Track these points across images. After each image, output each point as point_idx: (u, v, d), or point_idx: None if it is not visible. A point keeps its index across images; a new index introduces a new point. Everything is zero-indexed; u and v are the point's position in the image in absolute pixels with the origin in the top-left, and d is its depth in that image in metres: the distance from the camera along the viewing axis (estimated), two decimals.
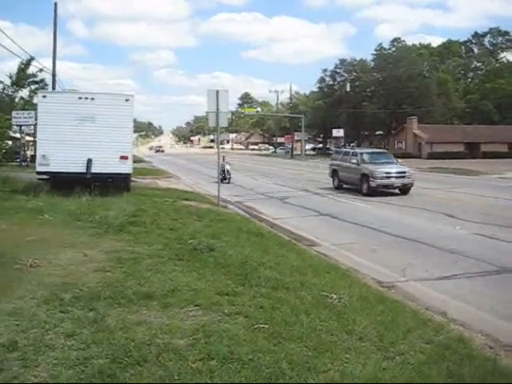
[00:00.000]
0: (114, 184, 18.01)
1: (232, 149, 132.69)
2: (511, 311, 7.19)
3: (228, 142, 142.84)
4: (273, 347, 4.89)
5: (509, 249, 11.35)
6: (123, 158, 17.76)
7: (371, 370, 4.49)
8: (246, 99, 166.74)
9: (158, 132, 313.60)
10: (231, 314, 5.83)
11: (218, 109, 16.84)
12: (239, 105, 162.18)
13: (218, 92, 16.99)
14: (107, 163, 17.36)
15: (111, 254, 8.58)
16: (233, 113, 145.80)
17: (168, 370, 4.33)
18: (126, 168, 17.99)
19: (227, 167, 28.57)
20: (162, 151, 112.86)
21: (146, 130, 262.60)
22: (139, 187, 20.97)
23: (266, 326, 5.42)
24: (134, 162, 21.46)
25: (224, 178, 26.45)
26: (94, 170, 17.17)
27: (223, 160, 27.33)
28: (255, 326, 5.41)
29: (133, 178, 21.03)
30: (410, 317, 6.20)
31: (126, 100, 18.15)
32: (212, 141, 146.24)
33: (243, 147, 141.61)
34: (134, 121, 26.44)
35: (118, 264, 7.86)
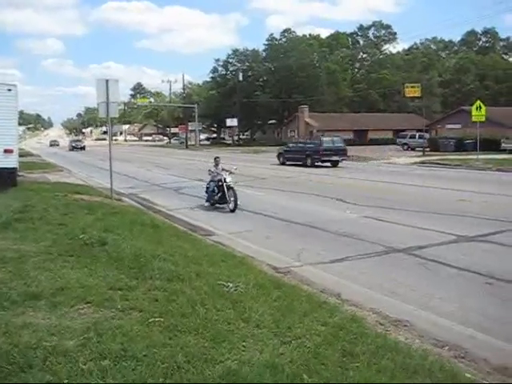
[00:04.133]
0: None
1: (125, 140, 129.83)
2: (397, 288, 7.53)
3: (121, 133, 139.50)
4: (168, 341, 4.76)
5: (394, 229, 11.90)
6: (7, 151, 16.75)
7: (268, 356, 4.49)
8: (139, 90, 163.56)
9: (48, 124, 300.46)
10: (125, 309, 5.61)
11: (108, 99, 16.28)
12: (132, 95, 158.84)
13: (107, 81, 16.41)
14: None
15: None
16: (125, 104, 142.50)
17: (56, 374, 4.05)
18: (10, 162, 16.98)
19: (228, 179, 15.25)
20: (57, 145, 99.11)
21: (34, 122, 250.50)
22: (27, 182, 19.84)
23: (162, 320, 5.27)
24: (22, 155, 20.32)
25: (222, 198, 15.24)
26: None
27: (216, 165, 16.17)
28: (150, 320, 5.24)
29: (20, 173, 19.89)
30: (306, 300, 6.28)
31: (9, 90, 17.06)
32: (105, 132, 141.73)
33: (137, 138, 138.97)
34: (21, 113, 25.06)
35: (2, 264, 7.32)
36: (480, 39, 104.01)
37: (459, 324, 6.13)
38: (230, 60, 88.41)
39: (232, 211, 14.70)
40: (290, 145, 39.46)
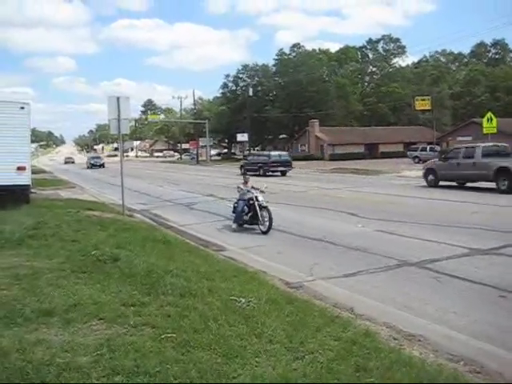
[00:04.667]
0: (12, 196, 17.05)
1: (136, 156, 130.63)
2: (410, 302, 7.47)
3: (132, 149, 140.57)
4: (181, 357, 4.76)
5: (406, 243, 11.84)
6: (20, 168, 16.89)
7: (281, 372, 4.48)
8: (150, 106, 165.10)
9: (60, 141, 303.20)
10: (137, 325, 5.62)
11: (119, 116, 16.45)
12: (143, 112, 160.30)
13: (118, 99, 16.61)
14: (3, 175, 16.44)
15: (7, 270, 8.04)
16: (136, 120, 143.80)
17: None
18: (23, 179, 17.12)
19: (260, 197, 14.10)
20: (73, 162, 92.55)
21: (46, 139, 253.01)
22: (40, 199, 20.00)
23: (174, 335, 5.27)
24: (35, 172, 20.46)
25: (253, 218, 14.08)
26: None
27: (245, 182, 15.06)
28: (162, 336, 5.25)
29: (33, 190, 20.04)
30: (319, 315, 6.26)
31: (21, 108, 17.24)
32: (116, 149, 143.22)
33: (148, 154, 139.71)
34: (33, 130, 25.24)
35: (16, 281, 7.37)
36: (490, 51, 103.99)
37: (474, 338, 6.06)
38: (240, 75, 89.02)
39: (264, 233, 13.49)
40: (249, 158, 48.30)
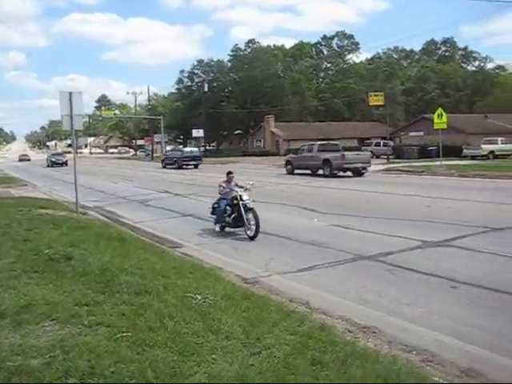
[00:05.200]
0: None
1: (91, 153, 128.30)
2: (365, 295, 7.59)
3: (86, 146, 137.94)
4: (136, 356, 4.70)
5: (361, 237, 12.01)
6: None
7: (238, 368, 4.47)
8: (104, 102, 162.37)
9: (10, 138, 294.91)
10: (91, 325, 5.52)
11: (71, 111, 16.10)
12: (97, 108, 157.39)
13: (71, 94, 16.24)
14: None
15: None
16: (90, 116, 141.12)
17: None
18: None
19: (244, 197, 12.54)
20: (28, 160, 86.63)
21: None
22: None
23: (129, 334, 5.20)
24: None
25: (237, 221, 12.54)
26: None
27: (227, 181, 13.49)
28: (117, 336, 5.17)
29: None
30: (275, 310, 6.27)
31: None
32: (69, 145, 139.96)
33: (102, 151, 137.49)
34: None
35: None
36: (440, 48, 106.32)
37: (426, 328, 6.20)
38: (195, 71, 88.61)
39: (251, 238, 11.95)
40: (168, 153, 55.60)
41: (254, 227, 12.03)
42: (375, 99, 47.75)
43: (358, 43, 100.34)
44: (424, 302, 7.18)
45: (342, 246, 10.77)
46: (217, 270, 8.81)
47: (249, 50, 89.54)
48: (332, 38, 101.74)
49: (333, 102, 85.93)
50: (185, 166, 47.37)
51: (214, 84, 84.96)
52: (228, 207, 12.73)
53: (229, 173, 13.79)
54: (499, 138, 47.68)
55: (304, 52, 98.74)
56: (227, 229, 13.03)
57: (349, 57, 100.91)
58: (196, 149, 56.67)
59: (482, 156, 44.42)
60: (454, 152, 44.30)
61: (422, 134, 53.60)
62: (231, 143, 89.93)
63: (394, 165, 38.67)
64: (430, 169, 32.46)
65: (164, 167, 49.91)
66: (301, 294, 7.58)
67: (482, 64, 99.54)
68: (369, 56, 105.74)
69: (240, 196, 12.48)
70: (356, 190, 22.76)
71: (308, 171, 32.99)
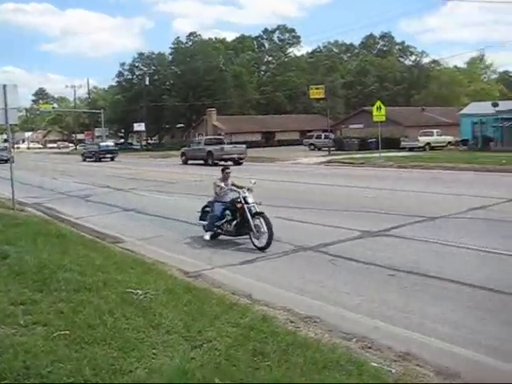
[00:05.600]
0: None
1: (29, 148, 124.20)
2: (307, 285, 7.70)
3: (24, 141, 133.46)
4: (75, 354, 4.60)
5: (303, 228, 12.16)
6: None
7: (179, 362, 4.45)
8: (42, 95, 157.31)
9: None
10: (28, 324, 5.38)
11: (6, 105, 15.54)
12: (34, 101, 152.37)
13: (5, 86, 15.66)
14: None
15: None
16: (27, 110, 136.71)
17: None
18: None
19: (250, 199, 10.54)
20: None
21: None
22: None
23: (68, 333, 5.09)
24: None
25: (241, 227, 10.48)
26: None
27: (223, 179, 11.22)
28: (55, 334, 5.05)
29: None
30: (217, 303, 6.28)
31: None
32: (5, 140, 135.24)
33: (41, 146, 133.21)
34: None
35: None
36: (378, 43, 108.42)
37: (366, 316, 6.34)
38: (136, 64, 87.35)
39: (261, 249, 9.84)
40: (87, 147, 61.41)
41: (265, 235, 9.89)
42: (316, 92, 48.26)
43: (299, 37, 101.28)
44: (364, 291, 7.34)
45: (284, 237, 10.83)
46: (159, 265, 8.73)
47: (190, 42, 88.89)
48: (273, 31, 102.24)
49: (274, 95, 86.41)
50: (103, 159, 51.09)
51: (156, 77, 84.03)
52: (228, 212, 10.66)
53: (224, 169, 11.49)
54: (435, 130, 49.28)
55: (246, 45, 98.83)
56: (222, 237, 10.97)
57: (290, 50, 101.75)
58: (111, 143, 63.78)
59: (419, 148, 45.77)
60: (392, 144, 45.45)
61: (361, 126, 54.64)
62: (173, 137, 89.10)
63: (335, 157, 39.26)
64: (370, 160, 33.16)
65: (84, 160, 53.32)
66: (243, 286, 7.62)
67: (418, 58, 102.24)
68: (310, 50, 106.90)
69: (244, 198, 10.45)
70: (297, 182, 23.00)
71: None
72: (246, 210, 10.22)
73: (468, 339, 5.60)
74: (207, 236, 10.87)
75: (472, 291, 7.20)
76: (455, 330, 5.87)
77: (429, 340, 5.57)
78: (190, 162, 39.02)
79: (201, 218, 11.46)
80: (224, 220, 10.67)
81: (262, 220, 10.06)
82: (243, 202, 10.35)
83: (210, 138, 40.56)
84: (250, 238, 10.22)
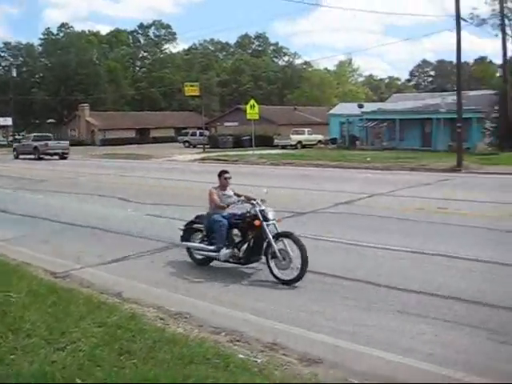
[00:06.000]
0: None
1: None
2: (179, 282, 7.73)
3: None
4: None
5: (173, 225, 12.10)
6: None
7: (38, 366, 4.28)
8: None
9: None
10: None
11: None
12: None
13: None
14: None
15: None
16: None
17: None
18: None
19: (270, 214, 7.80)
20: None
21: None
22: None
23: None
24: None
25: (255, 251, 7.86)
26: None
27: (221, 186, 8.65)
28: None
29: None
30: (83, 303, 6.12)
31: None
32: None
33: None
34: None
35: None
36: (253, 43, 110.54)
37: (235, 309, 6.47)
38: (2, 54, 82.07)
39: (288, 283, 7.40)
40: None
41: (295, 264, 7.40)
42: (191, 89, 48.21)
43: (174, 33, 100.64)
44: (231, 284, 7.53)
45: (155, 235, 10.74)
46: (24, 266, 8.32)
47: (62, 34, 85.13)
48: (149, 26, 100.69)
49: (149, 91, 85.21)
50: None
51: (24, 69, 79.62)
52: (236, 231, 8.21)
53: (223, 172, 8.78)
54: (306, 129, 51.24)
55: (120, 39, 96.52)
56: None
57: (166, 46, 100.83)
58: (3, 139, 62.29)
59: (292, 146, 47.33)
60: (266, 141, 46.64)
61: (236, 124, 55.44)
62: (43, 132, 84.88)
63: (210, 154, 39.53)
64: (244, 158, 33.76)
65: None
66: (113, 285, 7.48)
67: (291, 59, 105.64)
68: (186, 47, 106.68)
69: (262, 213, 7.81)
70: (167, 179, 22.78)
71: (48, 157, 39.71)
72: (266, 230, 7.71)
73: (324, 326, 5.91)
74: (222, 254, 7.99)
75: (333, 280, 7.59)
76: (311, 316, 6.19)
77: (297, 330, 5.79)
78: (21, 156, 42.40)
79: (184, 238, 8.81)
80: (228, 239, 8.10)
81: (287, 243, 7.61)
82: (263, 217, 7.76)
83: (39, 135, 43.82)
84: (269, 267, 7.64)
